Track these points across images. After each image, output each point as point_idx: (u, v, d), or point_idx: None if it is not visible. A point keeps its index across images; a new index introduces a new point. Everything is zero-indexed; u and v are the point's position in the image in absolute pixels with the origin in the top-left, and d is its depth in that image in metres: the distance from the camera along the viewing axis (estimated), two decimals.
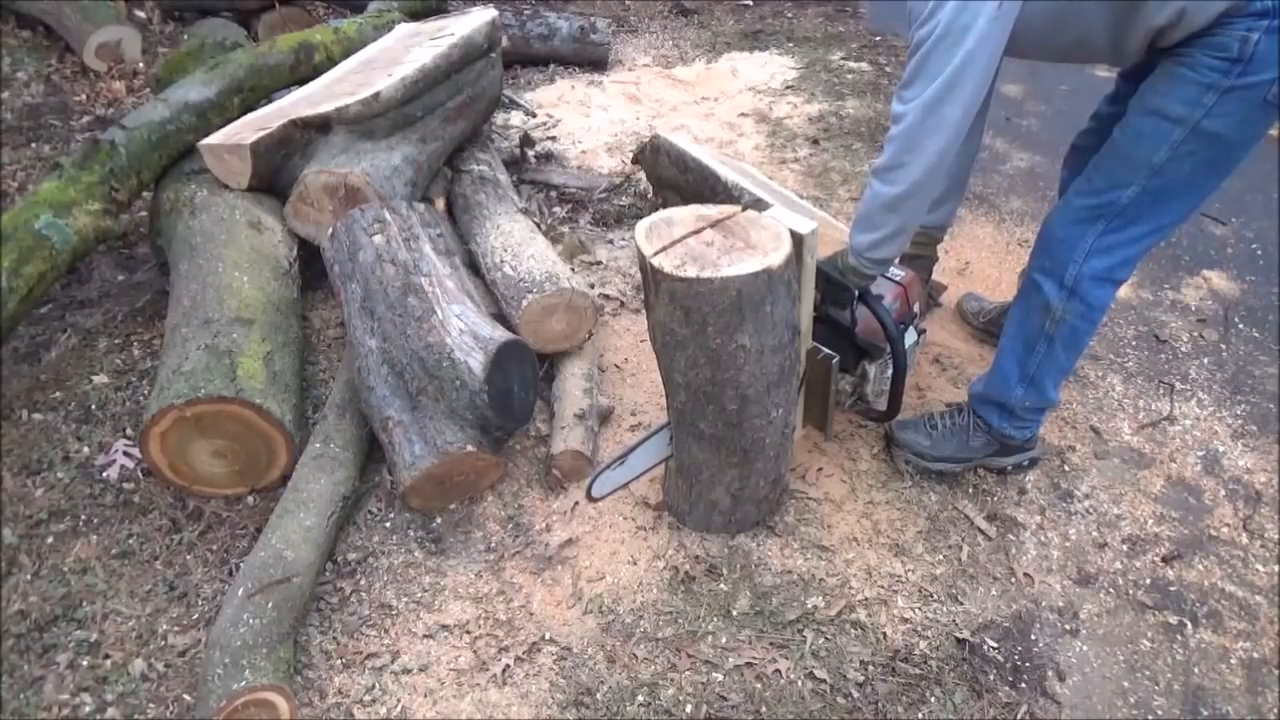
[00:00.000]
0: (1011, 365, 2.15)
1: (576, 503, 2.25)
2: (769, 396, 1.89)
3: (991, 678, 1.91)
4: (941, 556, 2.16)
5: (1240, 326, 2.95)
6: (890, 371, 2.18)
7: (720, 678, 1.89)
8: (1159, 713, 1.85)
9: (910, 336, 2.27)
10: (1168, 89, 1.72)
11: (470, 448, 2.12)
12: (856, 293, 2.05)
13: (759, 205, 2.03)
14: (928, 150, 1.74)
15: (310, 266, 2.79)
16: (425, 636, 1.96)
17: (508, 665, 1.90)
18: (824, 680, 1.88)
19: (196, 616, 1.99)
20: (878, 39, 5.27)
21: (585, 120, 4.23)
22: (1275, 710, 1.86)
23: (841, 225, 2.96)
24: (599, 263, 3.15)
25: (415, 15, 4.01)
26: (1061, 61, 1.98)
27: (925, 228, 2.40)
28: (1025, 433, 2.26)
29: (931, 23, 1.67)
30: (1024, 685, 1.90)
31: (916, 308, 2.32)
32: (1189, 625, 2.02)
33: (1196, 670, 1.94)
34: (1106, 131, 1.90)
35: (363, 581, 2.07)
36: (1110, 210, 1.87)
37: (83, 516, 2.19)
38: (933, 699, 1.87)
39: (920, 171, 1.78)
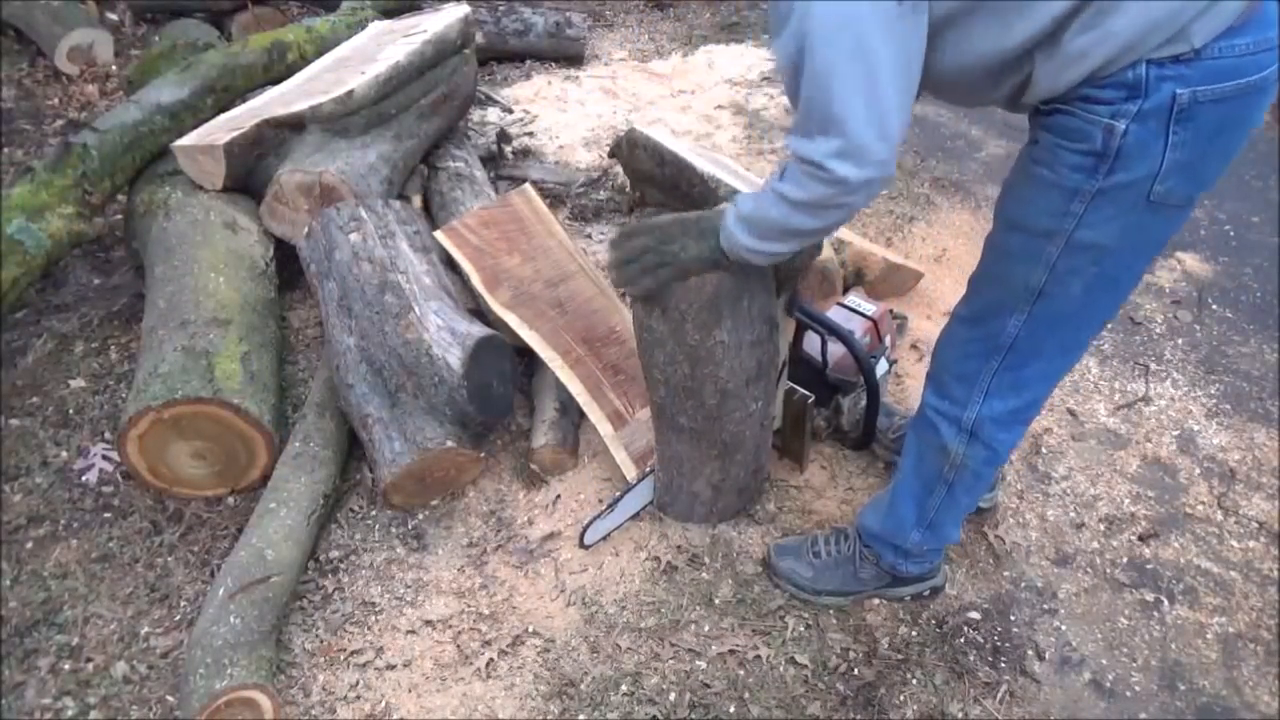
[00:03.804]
0: (908, 507, 1.86)
1: (558, 496, 2.26)
2: (748, 390, 1.90)
3: (972, 659, 1.93)
4: None
5: (1214, 307, 2.98)
6: (863, 403, 2.24)
7: (703, 665, 1.90)
8: (1137, 689, 1.88)
9: (882, 367, 2.32)
10: (1029, 196, 1.40)
11: (450, 443, 2.12)
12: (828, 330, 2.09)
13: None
14: (861, 199, 1.38)
15: (288, 266, 2.78)
16: (409, 632, 1.96)
17: (491, 659, 1.90)
18: (806, 666, 1.89)
19: (178, 618, 1.98)
20: None
21: (562, 115, 4.22)
22: (1251, 683, 1.88)
23: None
24: None
25: (388, 13, 3.99)
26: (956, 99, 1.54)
27: None
28: (923, 567, 1.99)
29: (803, 48, 1.25)
30: (1004, 665, 1.92)
31: (887, 340, 2.38)
32: (1166, 602, 2.05)
33: (1173, 646, 1.96)
34: None
35: (345, 579, 2.07)
36: (1000, 343, 1.54)
37: (62, 521, 2.18)
38: (914, 681, 1.88)
39: (848, 215, 1.47)
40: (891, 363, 2.45)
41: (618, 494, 2.14)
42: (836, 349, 2.19)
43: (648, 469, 2.18)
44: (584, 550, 2.13)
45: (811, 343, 2.22)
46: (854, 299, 2.40)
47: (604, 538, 2.15)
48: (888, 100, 1.25)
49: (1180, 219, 1.39)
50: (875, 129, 1.25)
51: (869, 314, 2.32)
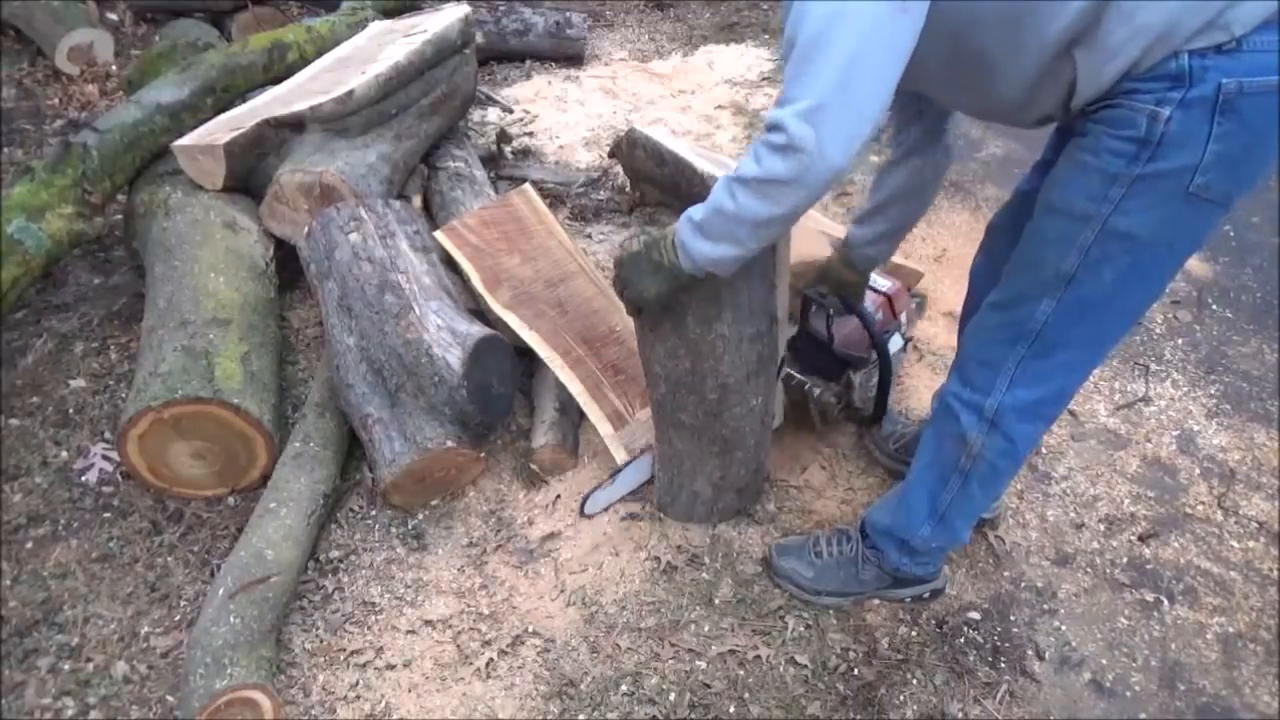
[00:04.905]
0: (921, 499, 1.85)
1: (558, 496, 2.26)
2: (748, 385, 1.91)
3: (971, 659, 1.93)
4: None
5: (1214, 307, 2.98)
6: (875, 379, 2.20)
7: (703, 665, 1.90)
8: (1137, 689, 1.88)
9: (895, 343, 2.28)
10: (1068, 180, 1.41)
11: (450, 443, 2.12)
12: (831, 311, 2.05)
13: None
14: (813, 180, 1.32)
15: (288, 266, 2.78)
16: (409, 632, 1.96)
17: (491, 659, 1.91)
18: (805, 666, 1.89)
19: (178, 618, 1.98)
20: None
21: (562, 115, 4.23)
22: (1251, 683, 1.88)
23: (816, 214, 2.97)
24: None
25: (388, 13, 3.99)
26: (964, 107, 1.59)
27: (861, 252, 1.98)
28: (927, 569, 1.98)
29: (801, 20, 1.29)
30: (1004, 665, 1.92)
31: (903, 318, 2.35)
32: (1165, 602, 2.05)
33: (1173, 646, 1.96)
34: (1029, 213, 1.55)
35: (345, 579, 2.07)
36: (1028, 330, 1.54)
37: (62, 521, 2.18)
38: (914, 681, 1.88)
39: (798, 203, 1.38)
40: (907, 340, 2.39)
41: (619, 465, 2.15)
42: (845, 324, 2.15)
43: (648, 445, 2.18)
44: (585, 519, 2.15)
45: (819, 318, 2.17)
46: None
47: (605, 509, 2.17)
48: (864, 79, 1.27)
49: (1216, 218, 1.37)
50: (843, 97, 1.26)
51: (883, 289, 2.27)
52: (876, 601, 2.03)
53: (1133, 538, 2.19)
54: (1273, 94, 1.21)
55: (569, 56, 4.80)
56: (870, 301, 2.23)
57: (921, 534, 1.87)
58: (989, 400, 1.64)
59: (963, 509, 1.83)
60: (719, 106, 4.33)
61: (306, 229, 2.48)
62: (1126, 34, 1.23)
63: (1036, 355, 1.56)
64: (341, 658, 1.91)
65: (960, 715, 1.82)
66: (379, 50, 3.06)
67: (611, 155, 3.43)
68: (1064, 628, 1.99)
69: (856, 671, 1.89)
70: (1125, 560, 2.14)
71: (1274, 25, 1.19)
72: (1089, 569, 2.12)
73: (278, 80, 3.21)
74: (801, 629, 1.97)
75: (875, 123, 1.30)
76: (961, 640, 1.96)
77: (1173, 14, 1.19)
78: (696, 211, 1.50)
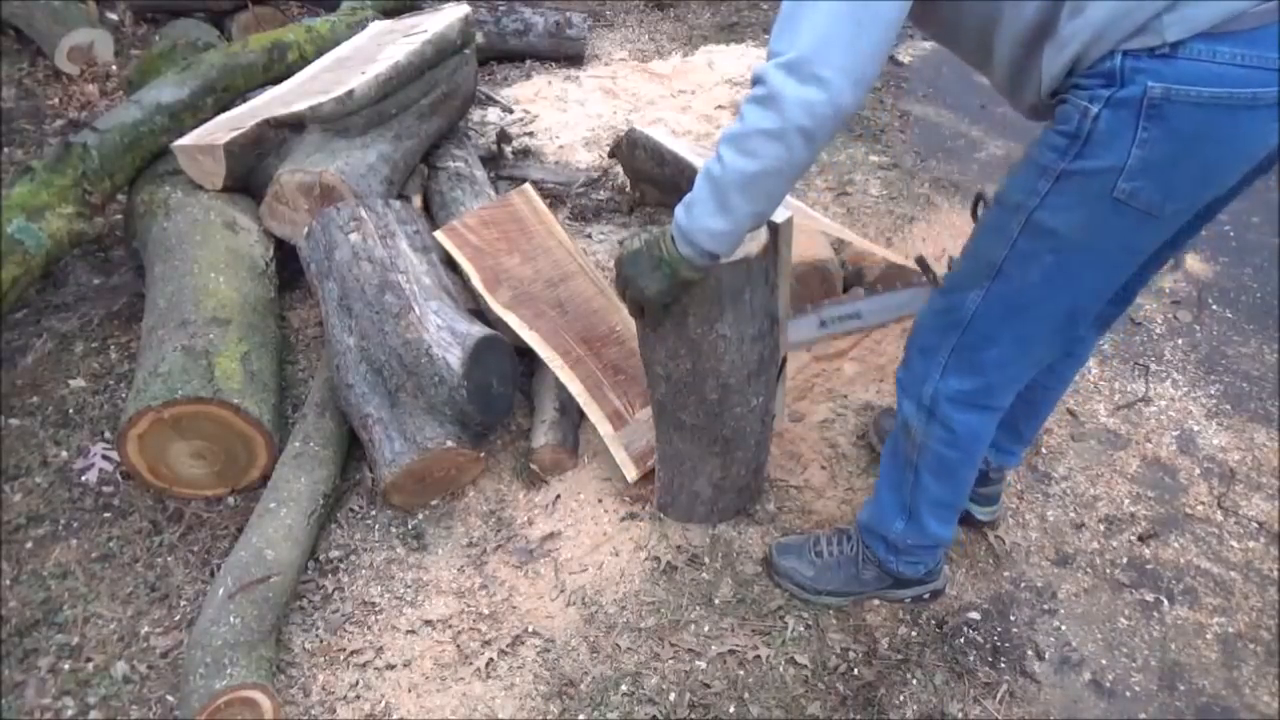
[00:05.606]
0: (887, 494, 1.86)
1: (558, 496, 2.26)
2: (749, 385, 1.91)
3: (972, 659, 1.93)
4: None
5: (1214, 307, 2.98)
6: None
7: (703, 665, 1.90)
8: (1137, 689, 1.88)
9: None
10: (1013, 172, 1.43)
11: (450, 443, 2.12)
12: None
13: None
14: (794, 132, 1.29)
15: (288, 266, 2.78)
16: (408, 632, 1.96)
17: (491, 659, 1.91)
18: (805, 666, 1.89)
19: (178, 618, 1.98)
20: None
21: (562, 115, 4.22)
22: (1251, 683, 1.88)
23: (817, 214, 2.97)
24: None
25: (388, 13, 3.99)
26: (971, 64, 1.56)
27: None
28: (918, 569, 1.96)
29: None
30: (1004, 665, 1.92)
31: None
32: (1165, 602, 2.05)
33: (1173, 646, 1.96)
34: None
35: (345, 579, 2.07)
36: (960, 318, 1.55)
37: (62, 521, 2.18)
38: (914, 681, 1.88)
39: (783, 160, 1.34)
40: None
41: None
42: None
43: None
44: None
45: None
46: None
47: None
48: (845, 34, 1.25)
49: (1147, 230, 1.35)
50: (825, 50, 1.25)
51: None
52: (876, 601, 2.03)
53: (1133, 538, 2.19)
54: (1204, 108, 1.19)
55: (569, 56, 4.80)
56: None
57: (896, 529, 1.87)
58: (925, 387, 1.66)
59: (925, 502, 1.81)
60: (719, 106, 4.32)
61: (306, 229, 2.48)
62: (1074, 28, 1.24)
63: (967, 345, 1.58)
64: (341, 658, 1.91)
65: (960, 715, 1.82)
66: (379, 50, 3.06)
67: (611, 155, 3.43)
68: (1064, 628, 1.99)
69: (856, 671, 1.89)
70: (1125, 560, 2.14)
71: (1216, 37, 1.16)
72: (1089, 569, 2.12)
73: (278, 80, 3.21)
74: (801, 629, 1.97)
75: (860, 80, 1.28)
76: (961, 640, 1.96)
77: (1114, 12, 1.20)
78: (686, 193, 1.51)
